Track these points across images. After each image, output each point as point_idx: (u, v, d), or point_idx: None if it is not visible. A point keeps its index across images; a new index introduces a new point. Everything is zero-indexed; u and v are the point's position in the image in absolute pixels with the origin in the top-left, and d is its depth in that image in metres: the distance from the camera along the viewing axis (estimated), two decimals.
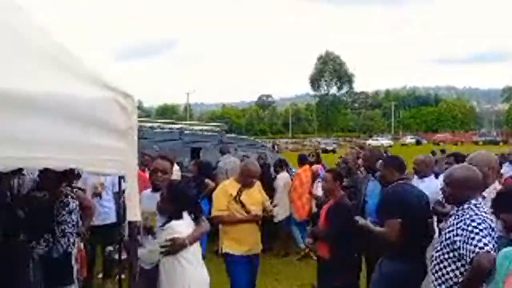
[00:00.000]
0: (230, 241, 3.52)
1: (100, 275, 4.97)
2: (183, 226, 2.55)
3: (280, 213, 6.34)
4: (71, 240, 3.31)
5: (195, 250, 2.63)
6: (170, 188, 2.64)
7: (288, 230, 6.44)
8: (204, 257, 5.66)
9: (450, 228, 2.26)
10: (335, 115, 72.17)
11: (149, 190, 3.07)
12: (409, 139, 48.78)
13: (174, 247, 2.46)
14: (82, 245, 3.92)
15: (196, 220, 2.65)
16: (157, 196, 2.81)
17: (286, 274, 5.42)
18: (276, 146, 21.37)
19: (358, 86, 78.79)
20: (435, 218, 3.97)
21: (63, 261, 3.25)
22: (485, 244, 2.03)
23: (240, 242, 3.49)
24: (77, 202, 3.50)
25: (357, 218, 3.26)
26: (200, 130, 8.18)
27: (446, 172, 2.56)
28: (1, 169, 1.73)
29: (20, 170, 4.23)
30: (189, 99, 53.29)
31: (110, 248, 4.59)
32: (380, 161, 3.64)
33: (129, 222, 1.99)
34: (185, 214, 2.61)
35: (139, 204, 2.07)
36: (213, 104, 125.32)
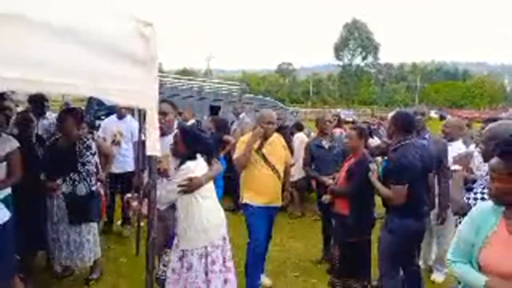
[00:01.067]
0: (250, 192, 3.51)
1: (119, 222, 5.11)
2: (198, 166, 2.63)
3: (296, 173, 6.34)
4: (94, 179, 3.42)
5: (210, 188, 2.73)
6: (183, 131, 2.72)
7: (304, 191, 6.47)
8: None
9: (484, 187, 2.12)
10: (357, 86, 70.49)
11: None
12: (432, 114, 47.37)
13: (191, 186, 2.55)
14: (102, 191, 4.02)
15: (209, 161, 2.74)
16: (166, 139, 2.83)
17: (302, 232, 5.47)
18: (295, 114, 21.15)
19: (384, 57, 76.31)
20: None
21: (88, 198, 3.39)
22: None
23: (260, 193, 3.47)
24: (96, 145, 3.58)
25: (370, 173, 3.17)
26: (220, 88, 8.09)
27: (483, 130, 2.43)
28: (30, 91, 1.69)
29: (44, 113, 4.31)
30: (209, 64, 52.84)
31: (128, 195, 4.70)
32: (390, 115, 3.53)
33: (149, 157, 1.97)
34: (198, 156, 2.68)
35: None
36: (234, 70, 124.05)
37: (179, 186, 2.54)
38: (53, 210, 3.42)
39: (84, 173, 3.33)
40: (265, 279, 3.78)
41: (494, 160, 1.65)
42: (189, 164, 2.60)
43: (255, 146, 3.45)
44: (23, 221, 3.03)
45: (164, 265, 2.79)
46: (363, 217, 3.36)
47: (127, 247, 4.50)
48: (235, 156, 3.56)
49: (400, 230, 2.95)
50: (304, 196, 6.54)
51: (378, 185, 3.07)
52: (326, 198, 3.69)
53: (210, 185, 2.74)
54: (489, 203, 1.74)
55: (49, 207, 3.42)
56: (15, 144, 2.88)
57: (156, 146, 1.91)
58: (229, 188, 5.95)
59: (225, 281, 2.69)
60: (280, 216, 5.91)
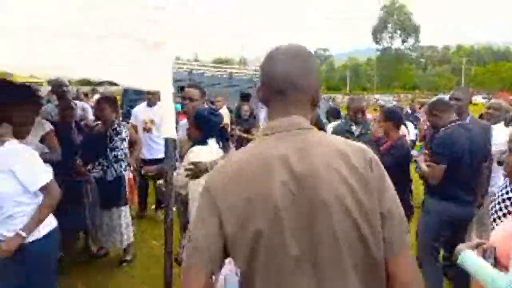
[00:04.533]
0: None
1: (153, 207, 5.28)
2: (206, 152, 2.54)
3: None
4: (123, 165, 3.53)
5: None
6: (196, 114, 2.65)
7: None
8: None
9: None
10: (397, 70, 67.73)
11: (185, 120, 3.12)
12: (480, 98, 44.52)
13: (196, 171, 2.48)
14: (131, 174, 4.15)
15: (224, 148, 2.65)
16: None
17: None
18: (331, 100, 20.74)
19: (426, 39, 72.53)
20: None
21: (117, 183, 3.51)
22: None
23: None
24: (128, 132, 3.68)
25: (413, 152, 3.20)
26: (250, 74, 8.06)
27: None
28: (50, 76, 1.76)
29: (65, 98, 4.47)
30: (243, 52, 52.87)
31: (160, 181, 4.80)
32: (424, 106, 3.40)
33: (165, 140, 1.99)
34: (211, 141, 2.60)
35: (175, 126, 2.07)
36: None
37: (185, 170, 2.50)
38: (89, 194, 3.60)
39: (112, 159, 3.45)
40: None
41: None
42: (195, 148, 2.55)
43: None
44: (65, 204, 3.20)
45: (183, 247, 2.83)
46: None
47: (160, 231, 4.63)
48: None
49: (435, 212, 2.89)
50: None
51: (421, 163, 3.05)
52: None
53: None
54: None
55: (86, 191, 3.60)
56: (49, 126, 3.05)
57: (171, 128, 1.92)
58: None
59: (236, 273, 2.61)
60: None
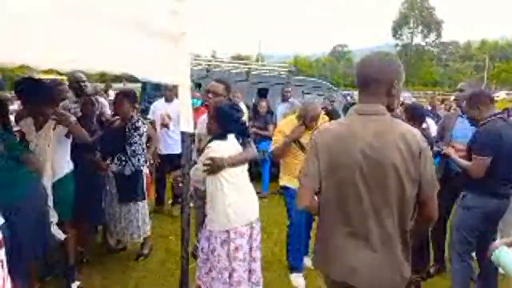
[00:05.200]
0: (289, 175, 3.44)
1: (170, 202, 5.31)
2: (225, 147, 2.50)
3: None
4: (141, 160, 3.54)
5: (238, 173, 2.56)
6: (217, 108, 2.59)
7: None
8: (265, 197, 5.85)
9: None
10: (417, 66, 66.20)
11: (205, 115, 3.09)
12: (503, 95, 43.08)
13: (213, 166, 2.45)
14: (148, 170, 4.17)
15: (243, 144, 2.59)
16: None
17: None
18: (349, 97, 20.41)
19: (448, 35, 70.54)
20: None
21: (134, 178, 3.51)
22: None
23: None
24: (146, 127, 3.69)
25: (441, 146, 3.12)
26: (268, 70, 7.99)
27: None
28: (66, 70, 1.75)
29: (83, 93, 4.52)
30: (260, 49, 52.76)
31: (175, 173, 4.82)
32: (465, 101, 3.27)
33: (182, 134, 1.98)
34: (231, 137, 2.55)
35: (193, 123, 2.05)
36: (286, 55, 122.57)
37: (204, 165, 2.46)
38: (107, 188, 3.64)
39: (129, 153, 3.46)
40: (309, 261, 3.72)
41: None
42: (213, 143, 2.50)
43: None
44: (84, 198, 3.25)
45: (199, 242, 2.82)
46: None
47: (176, 226, 4.66)
48: (272, 147, 3.49)
49: (475, 207, 2.83)
50: None
51: (456, 157, 2.99)
52: None
53: (239, 169, 2.57)
54: None
55: (104, 185, 3.64)
56: (72, 118, 3.10)
57: (189, 122, 1.90)
58: (277, 172, 5.90)
59: (250, 271, 2.56)
60: None
